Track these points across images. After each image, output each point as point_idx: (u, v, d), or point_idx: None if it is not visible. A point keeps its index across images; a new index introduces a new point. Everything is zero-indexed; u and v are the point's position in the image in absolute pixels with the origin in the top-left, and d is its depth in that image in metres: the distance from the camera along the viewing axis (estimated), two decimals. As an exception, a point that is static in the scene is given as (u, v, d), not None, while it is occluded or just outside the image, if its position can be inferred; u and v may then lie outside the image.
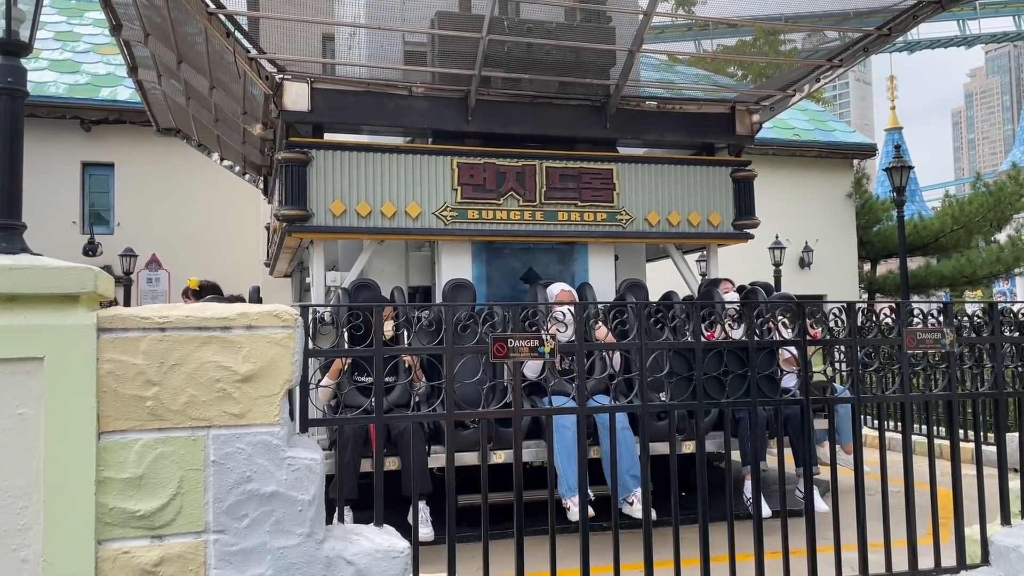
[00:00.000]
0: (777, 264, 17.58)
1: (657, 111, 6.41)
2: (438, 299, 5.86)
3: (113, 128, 14.61)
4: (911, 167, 17.01)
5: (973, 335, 3.69)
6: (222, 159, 10.44)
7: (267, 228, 10.49)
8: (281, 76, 5.62)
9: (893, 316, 3.56)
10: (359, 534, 2.74)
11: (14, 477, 2.28)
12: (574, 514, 4.74)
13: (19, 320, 2.30)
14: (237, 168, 10.57)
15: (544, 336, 3.09)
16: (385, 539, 2.70)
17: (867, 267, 21.42)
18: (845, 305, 3.49)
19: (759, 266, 17.65)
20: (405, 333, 5.02)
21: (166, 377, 2.45)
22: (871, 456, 4.18)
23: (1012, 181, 20.06)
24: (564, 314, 5.16)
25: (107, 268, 14.50)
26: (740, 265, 17.97)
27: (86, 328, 2.36)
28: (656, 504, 3.39)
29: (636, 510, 4.78)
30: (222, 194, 14.56)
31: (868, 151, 20.59)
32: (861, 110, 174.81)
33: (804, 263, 19.29)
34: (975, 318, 3.70)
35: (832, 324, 3.52)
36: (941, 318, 3.56)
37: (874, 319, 3.56)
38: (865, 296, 21.61)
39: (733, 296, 6.13)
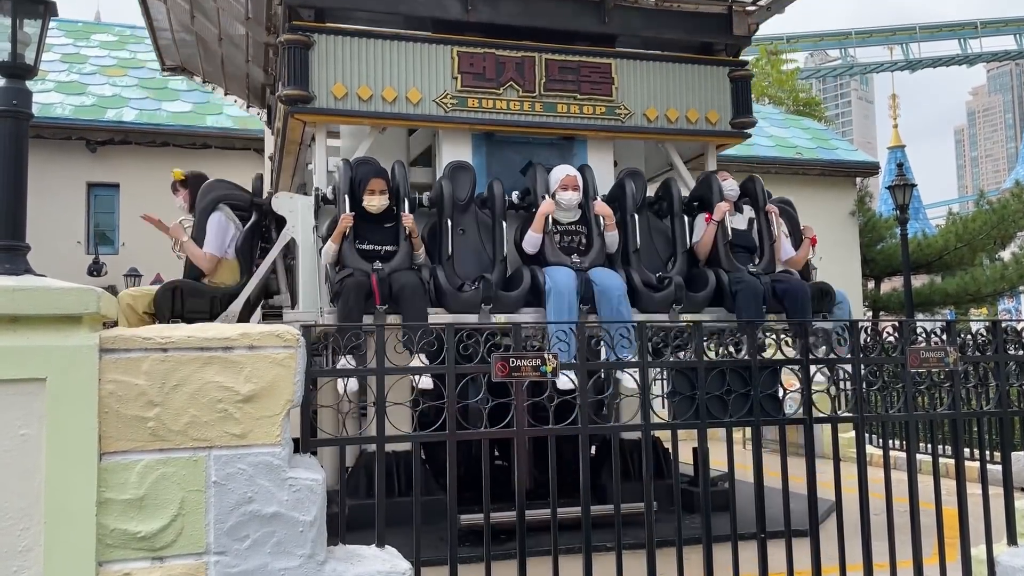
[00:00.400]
0: (781, 282, 17.53)
1: (655, 8, 6.51)
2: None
3: (119, 149, 14.69)
4: (914, 185, 17.01)
5: (977, 353, 3.68)
6: (226, 93, 10.41)
7: (271, 159, 10.49)
8: None
9: (896, 335, 3.55)
10: (361, 555, 2.73)
11: (15, 498, 2.28)
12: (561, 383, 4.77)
13: (22, 341, 2.31)
14: (240, 101, 10.54)
15: (547, 355, 3.09)
16: (387, 560, 2.69)
17: (871, 285, 21.39)
18: (848, 324, 3.49)
19: (763, 284, 17.63)
20: (406, 205, 5.28)
21: (168, 398, 2.45)
22: (875, 475, 4.16)
23: (1015, 199, 20.06)
24: (572, 198, 5.50)
25: (111, 288, 14.51)
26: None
27: (88, 349, 2.37)
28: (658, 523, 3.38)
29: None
30: (226, 214, 14.59)
31: (871, 169, 20.63)
32: (864, 128, 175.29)
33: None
34: (979, 336, 3.69)
35: (836, 343, 3.52)
36: (945, 337, 3.55)
37: (877, 338, 3.55)
38: (869, 314, 21.56)
39: (731, 183, 6.23)
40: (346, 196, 5.20)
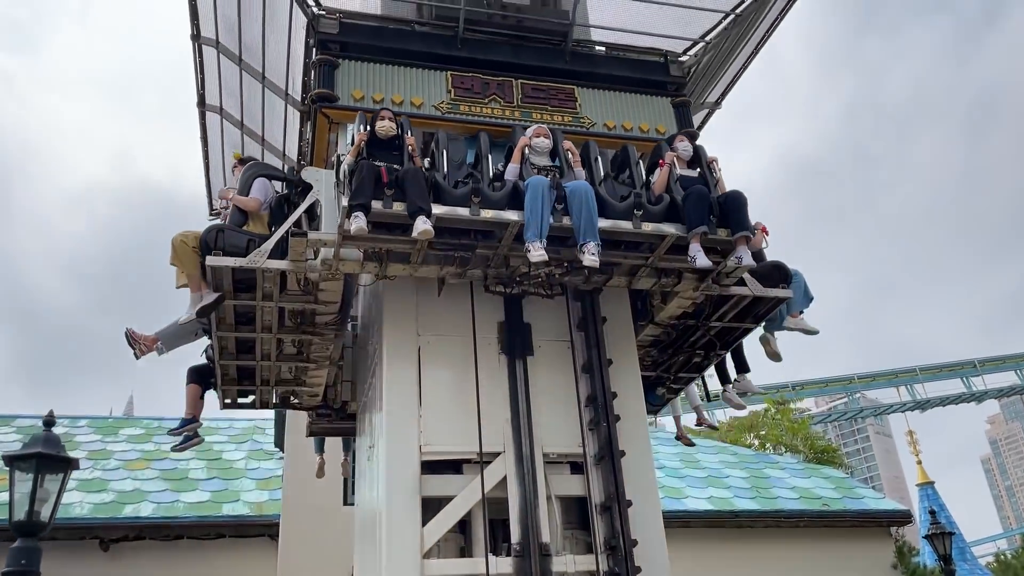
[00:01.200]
0: (833, 653, 15.98)
1: (606, 55, 8.30)
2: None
3: (132, 545, 14.48)
4: (952, 533, 16.33)
5: None
6: None
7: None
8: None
9: None
10: None
11: None
12: (534, 256, 5.71)
13: None
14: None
15: None
16: None
17: (935, 645, 19.55)
18: None
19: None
20: (410, 131, 6.52)
21: None
22: None
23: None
24: (544, 142, 6.67)
25: None
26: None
27: None
28: None
29: (589, 258, 5.78)
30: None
31: (903, 518, 19.91)
32: (887, 463, 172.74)
33: (864, 646, 17.67)
34: None
35: None
36: None
37: None
38: None
39: (685, 144, 7.03)
40: (362, 127, 6.52)
